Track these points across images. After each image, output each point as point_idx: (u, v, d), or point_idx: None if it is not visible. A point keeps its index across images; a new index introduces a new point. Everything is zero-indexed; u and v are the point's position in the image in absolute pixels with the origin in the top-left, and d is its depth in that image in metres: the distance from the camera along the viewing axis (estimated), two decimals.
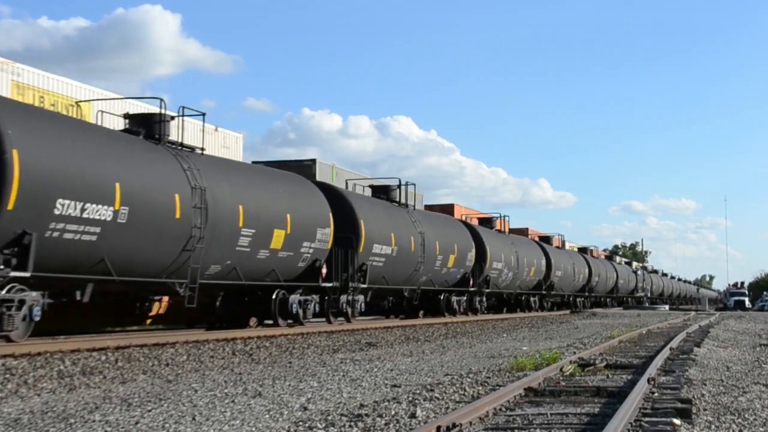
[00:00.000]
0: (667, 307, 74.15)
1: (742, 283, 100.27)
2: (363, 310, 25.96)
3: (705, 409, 8.77)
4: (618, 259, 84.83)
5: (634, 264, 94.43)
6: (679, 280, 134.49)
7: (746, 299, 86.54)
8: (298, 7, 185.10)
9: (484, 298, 37.19)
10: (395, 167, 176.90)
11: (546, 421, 7.93)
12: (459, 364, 13.83)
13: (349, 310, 24.79)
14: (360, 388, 10.40)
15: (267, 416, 8.16)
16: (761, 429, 7.87)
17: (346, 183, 28.96)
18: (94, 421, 7.82)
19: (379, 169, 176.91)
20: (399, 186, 30.09)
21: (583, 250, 64.74)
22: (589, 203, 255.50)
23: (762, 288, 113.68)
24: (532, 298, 45.54)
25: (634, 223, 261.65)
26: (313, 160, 32.95)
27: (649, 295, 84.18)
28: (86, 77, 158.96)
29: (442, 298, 33.01)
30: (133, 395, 9.59)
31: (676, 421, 7.68)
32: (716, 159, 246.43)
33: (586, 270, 56.09)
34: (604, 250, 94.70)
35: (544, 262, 45.89)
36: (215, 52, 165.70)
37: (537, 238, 51.94)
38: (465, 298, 35.13)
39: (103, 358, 13.23)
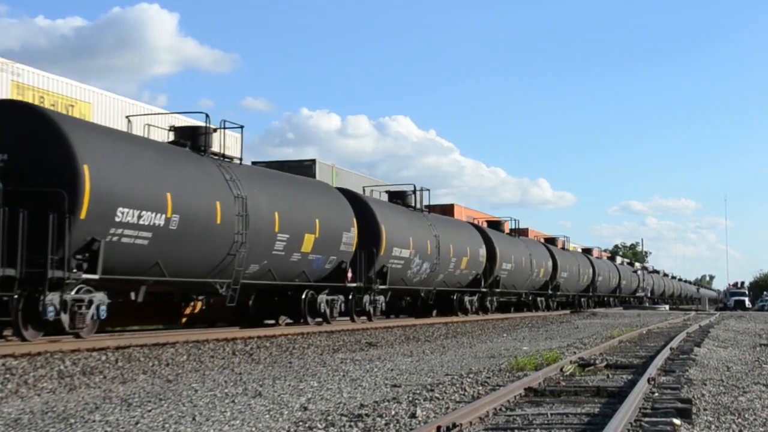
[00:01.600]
0: (667, 307, 74.15)
1: (742, 283, 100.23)
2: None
3: (705, 409, 8.77)
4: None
5: (636, 264, 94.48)
6: (680, 280, 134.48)
7: (746, 299, 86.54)
8: (297, 7, 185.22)
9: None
10: (394, 167, 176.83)
11: (546, 421, 7.93)
12: (459, 364, 13.83)
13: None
14: (360, 388, 10.40)
15: (267, 416, 8.16)
16: (761, 429, 7.87)
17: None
18: (94, 421, 7.82)
19: (378, 168, 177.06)
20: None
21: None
22: (589, 203, 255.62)
23: (762, 288, 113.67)
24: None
25: (634, 223, 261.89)
26: (313, 161, 32.97)
27: (649, 295, 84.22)
28: (84, 77, 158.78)
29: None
30: (133, 395, 9.59)
31: (676, 421, 7.68)
32: (716, 159, 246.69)
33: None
34: (605, 251, 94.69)
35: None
36: (213, 51, 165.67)
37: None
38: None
39: (103, 358, 13.23)
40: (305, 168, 31.45)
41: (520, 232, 46.70)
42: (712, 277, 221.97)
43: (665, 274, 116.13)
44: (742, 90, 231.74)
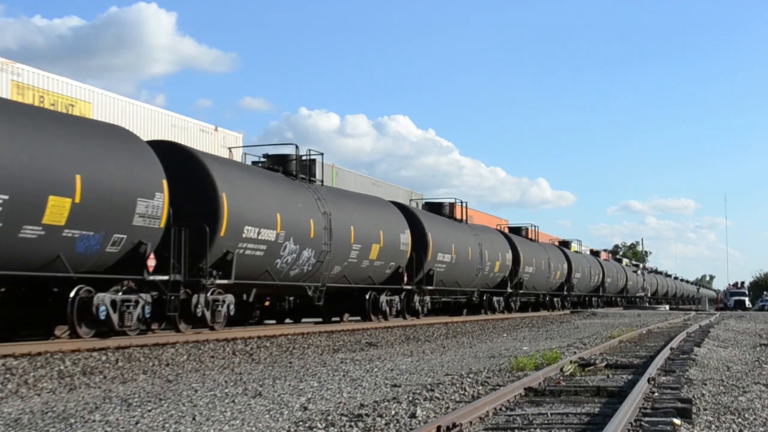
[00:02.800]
0: (667, 307, 74.20)
1: (743, 283, 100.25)
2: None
3: (705, 409, 8.77)
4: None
5: (632, 263, 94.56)
6: (681, 280, 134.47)
7: (746, 299, 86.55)
8: (295, 6, 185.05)
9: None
10: (393, 167, 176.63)
11: (546, 421, 7.93)
12: (459, 364, 13.83)
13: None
14: (360, 388, 10.39)
15: (267, 416, 8.16)
16: (761, 429, 7.87)
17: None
18: (94, 421, 7.82)
19: (377, 168, 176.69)
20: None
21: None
22: (588, 203, 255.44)
23: (762, 288, 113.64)
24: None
25: (633, 223, 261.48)
26: (313, 161, 32.92)
27: (649, 295, 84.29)
28: (82, 76, 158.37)
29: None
30: (133, 395, 9.59)
31: (677, 421, 7.68)
32: (716, 159, 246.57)
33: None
34: (605, 251, 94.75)
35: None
36: (211, 51, 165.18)
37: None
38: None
39: (104, 358, 13.23)
40: None
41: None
42: (712, 277, 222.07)
43: (665, 274, 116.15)
44: (742, 90, 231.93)
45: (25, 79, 22.05)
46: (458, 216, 35.87)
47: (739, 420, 8.21)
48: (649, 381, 10.36)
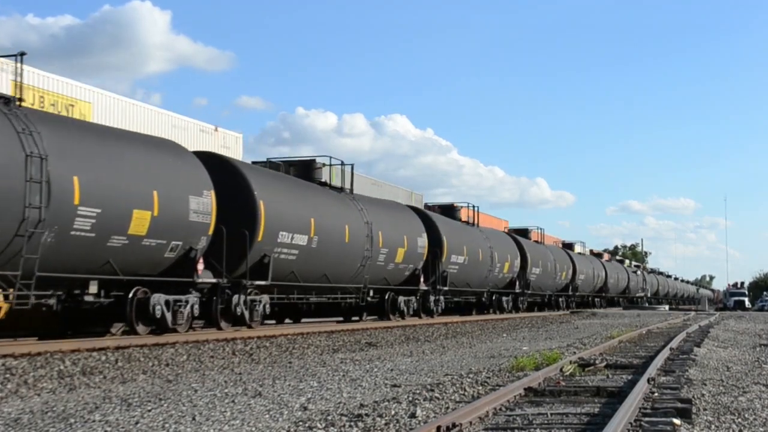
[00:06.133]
0: (666, 307, 74.23)
1: (742, 283, 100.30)
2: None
3: (705, 409, 8.78)
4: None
5: (633, 264, 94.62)
6: (681, 280, 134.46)
7: (746, 299, 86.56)
8: (293, 4, 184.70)
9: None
10: (392, 166, 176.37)
11: (546, 421, 7.93)
12: (459, 364, 13.84)
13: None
14: (360, 388, 10.40)
15: (267, 416, 8.17)
16: (761, 429, 7.87)
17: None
18: (94, 421, 7.82)
19: (375, 168, 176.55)
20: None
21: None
22: (588, 203, 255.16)
23: (762, 288, 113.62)
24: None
25: (633, 223, 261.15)
26: (313, 160, 32.91)
27: (649, 295, 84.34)
28: (77, 75, 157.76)
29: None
30: (133, 395, 9.59)
31: (676, 421, 7.68)
32: (716, 159, 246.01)
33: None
34: (605, 251, 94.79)
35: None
36: (207, 49, 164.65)
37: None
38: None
39: (103, 358, 13.23)
40: None
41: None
42: (712, 277, 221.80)
43: (669, 276, 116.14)
44: (742, 90, 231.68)
45: (25, 79, 22.00)
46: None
47: (739, 420, 8.21)
48: (648, 381, 10.36)
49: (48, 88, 22.91)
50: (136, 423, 7.70)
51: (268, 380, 11.20)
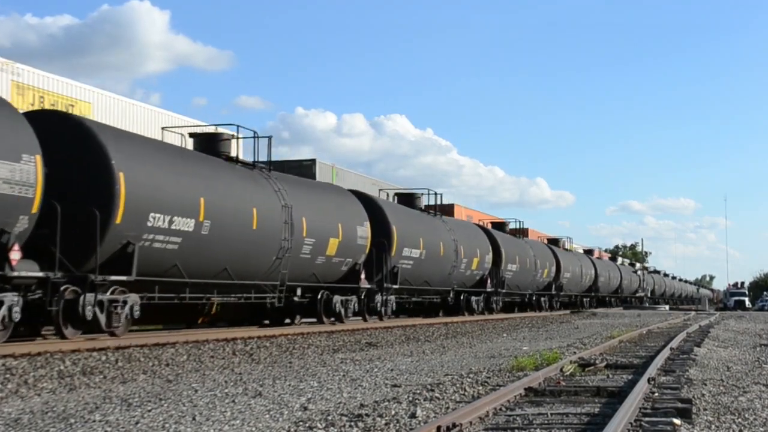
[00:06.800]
0: (667, 307, 74.22)
1: (742, 283, 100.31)
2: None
3: (705, 409, 8.77)
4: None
5: (636, 264, 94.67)
6: (680, 280, 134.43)
7: (746, 299, 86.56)
8: (292, 3, 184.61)
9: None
10: (392, 166, 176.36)
11: (546, 421, 7.93)
12: (459, 364, 13.83)
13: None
14: (360, 388, 10.39)
15: (267, 416, 8.16)
16: (761, 429, 7.87)
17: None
18: (94, 421, 7.81)
19: (375, 168, 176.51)
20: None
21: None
22: (587, 203, 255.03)
23: (762, 288, 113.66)
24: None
25: (633, 223, 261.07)
26: (313, 160, 32.99)
27: (649, 295, 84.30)
28: (76, 74, 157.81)
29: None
30: (133, 395, 9.59)
31: (677, 421, 7.68)
32: (716, 159, 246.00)
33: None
34: (605, 251, 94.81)
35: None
36: (206, 48, 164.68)
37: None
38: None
39: (103, 358, 13.22)
40: (305, 168, 31.49)
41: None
42: (712, 277, 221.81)
43: (665, 274, 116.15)
44: (742, 90, 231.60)
45: (24, 79, 22.04)
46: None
47: (739, 420, 8.21)
48: (649, 381, 10.36)
49: (48, 88, 22.91)
50: (136, 423, 7.70)
51: (268, 380, 11.19)
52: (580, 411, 8.56)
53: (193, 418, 7.96)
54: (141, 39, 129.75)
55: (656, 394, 9.52)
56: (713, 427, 7.81)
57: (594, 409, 8.72)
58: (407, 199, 31.72)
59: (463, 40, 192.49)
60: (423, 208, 31.98)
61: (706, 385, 10.87)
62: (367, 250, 24.96)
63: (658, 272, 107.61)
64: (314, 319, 23.72)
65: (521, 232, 47.35)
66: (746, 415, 8.47)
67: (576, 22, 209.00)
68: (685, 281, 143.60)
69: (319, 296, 23.31)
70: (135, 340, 15.68)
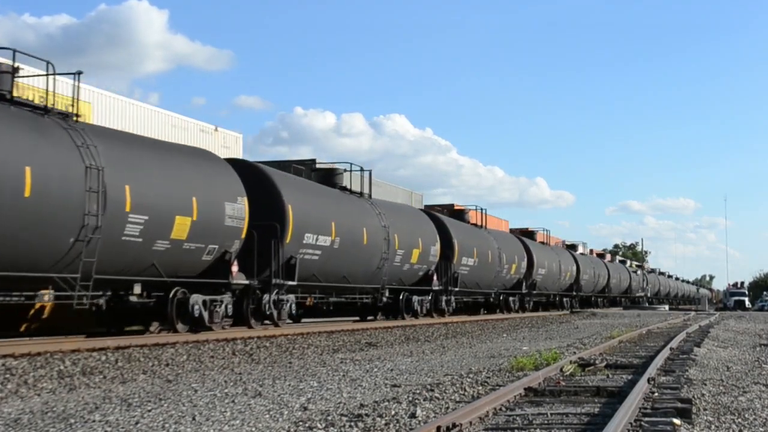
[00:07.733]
0: (666, 307, 74.24)
1: (742, 283, 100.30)
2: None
3: (705, 409, 8.78)
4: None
5: (634, 264, 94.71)
6: (681, 280, 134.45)
7: (746, 299, 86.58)
8: (291, 3, 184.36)
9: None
10: (391, 166, 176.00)
11: (546, 421, 7.93)
12: (459, 364, 13.84)
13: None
14: (360, 388, 10.40)
15: (267, 416, 8.17)
16: (761, 429, 7.87)
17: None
18: (94, 421, 7.82)
19: (374, 167, 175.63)
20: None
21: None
22: (587, 202, 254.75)
23: (762, 288, 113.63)
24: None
25: (632, 223, 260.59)
26: (313, 160, 32.92)
27: (649, 295, 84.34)
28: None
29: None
30: (133, 395, 9.59)
31: (676, 421, 7.68)
32: (716, 159, 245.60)
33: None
34: (604, 250, 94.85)
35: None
36: (205, 48, 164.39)
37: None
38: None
39: (103, 358, 13.23)
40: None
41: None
42: (712, 277, 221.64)
43: (665, 274, 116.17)
44: (742, 90, 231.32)
45: (24, 78, 21.97)
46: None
47: (739, 420, 8.21)
48: (648, 381, 10.36)
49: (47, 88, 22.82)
50: (136, 423, 7.70)
51: (268, 380, 11.20)
52: (580, 411, 8.56)
53: (193, 418, 7.97)
54: (139, 38, 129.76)
55: (656, 394, 9.53)
56: (713, 427, 7.82)
57: (594, 409, 8.72)
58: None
59: (462, 40, 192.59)
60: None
61: (705, 385, 10.87)
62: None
63: (658, 272, 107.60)
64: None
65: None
66: (746, 415, 8.47)
67: (576, 22, 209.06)
68: (685, 281, 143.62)
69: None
70: (135, 340, 15.69)
